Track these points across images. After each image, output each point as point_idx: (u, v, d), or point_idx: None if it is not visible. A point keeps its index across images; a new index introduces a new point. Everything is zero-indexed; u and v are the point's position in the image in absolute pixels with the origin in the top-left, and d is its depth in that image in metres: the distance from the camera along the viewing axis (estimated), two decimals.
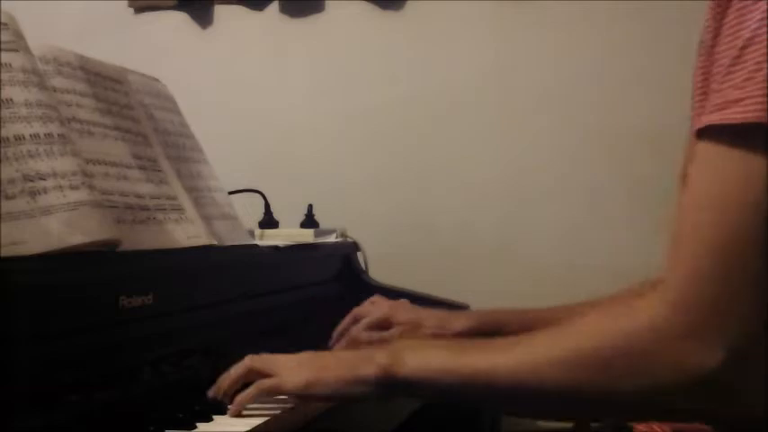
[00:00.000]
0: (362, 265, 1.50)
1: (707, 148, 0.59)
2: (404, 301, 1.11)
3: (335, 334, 1.08)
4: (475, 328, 1.03)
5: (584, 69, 1.61)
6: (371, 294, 1.41)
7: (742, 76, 0.57)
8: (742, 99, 0.56)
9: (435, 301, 1.38)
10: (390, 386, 0.72)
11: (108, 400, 0.74)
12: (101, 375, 0.76)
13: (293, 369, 0.76)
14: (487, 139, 1.68)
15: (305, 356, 0.79)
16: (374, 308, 1.09)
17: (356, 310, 1.10)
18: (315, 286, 1.33)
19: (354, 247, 1.48)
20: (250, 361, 0.79)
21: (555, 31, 1.64)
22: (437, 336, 1.03)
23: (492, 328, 1.02)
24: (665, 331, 0.58)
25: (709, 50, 0.62)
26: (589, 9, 1.60)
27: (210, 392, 0.79)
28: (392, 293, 1.42)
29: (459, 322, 1.04)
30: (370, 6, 1.74)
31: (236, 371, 0.79)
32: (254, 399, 0.76)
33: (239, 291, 1.06)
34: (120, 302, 0.81)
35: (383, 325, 1.06)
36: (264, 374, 0.77)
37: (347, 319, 1.08)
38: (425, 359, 0.71)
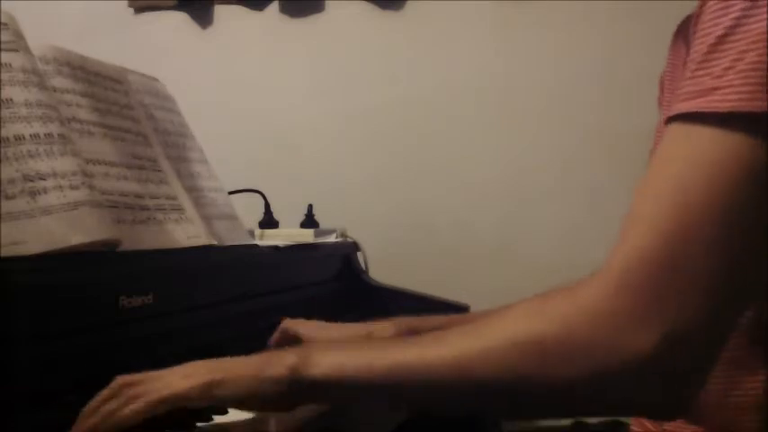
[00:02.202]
0: (362, 265, 1.50)
1: (675, 133, 0.58)
2: (314, 322, 1.02)
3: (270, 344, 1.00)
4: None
5: (585, 69, 1.61)
6: (371, 294, 1.41)
7: (722, 65, 0.55)
8: (720, 88, 0.55)
9: (435, 301, 1.38)
10: (299, 389, 0.65)
11: None
12: (101, 375, 0.76)
13: (187, 375, 0.67)
14: (487, 139, 1.68)
15: (204, 362, 0.70)
16: (299, 326, 1.01)
17: (285, 325, 1.00)
18: (315, 286, 1.33)
19: (354, 247, 1.47)
20: (121, 379, 0.67)
21: (555, 31, 1.63)
22: None
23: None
24: (602, 312, 0.55)
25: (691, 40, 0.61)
26: (589, 9, 1.60)
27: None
28: (392, 293, 1.42)
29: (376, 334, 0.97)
30: (370, 6, 1.74)
31: (103, 392, 0.67)
32: (142, 414, 0.64)
33: (239, 291, 1.06)
34: (120, 302, 0.81)
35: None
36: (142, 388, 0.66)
37: (278, 335, 1.00)
38: (338, 358, 0.64)
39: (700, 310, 0.54)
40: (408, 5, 1.72)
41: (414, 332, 0.94)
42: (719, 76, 0.55)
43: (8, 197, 0.76)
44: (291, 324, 1.00)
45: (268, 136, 1.81)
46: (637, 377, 0.55)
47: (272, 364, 0.66)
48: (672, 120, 0.58)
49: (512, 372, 0.58)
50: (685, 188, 0.55)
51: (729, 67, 0.55)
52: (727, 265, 0.54)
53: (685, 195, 0.55)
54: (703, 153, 0.55)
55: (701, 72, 0.57)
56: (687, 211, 0.55)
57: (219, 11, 1.85)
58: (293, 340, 0.98)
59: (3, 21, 0.85)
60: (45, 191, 0.79)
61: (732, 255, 0.54)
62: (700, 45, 0.57)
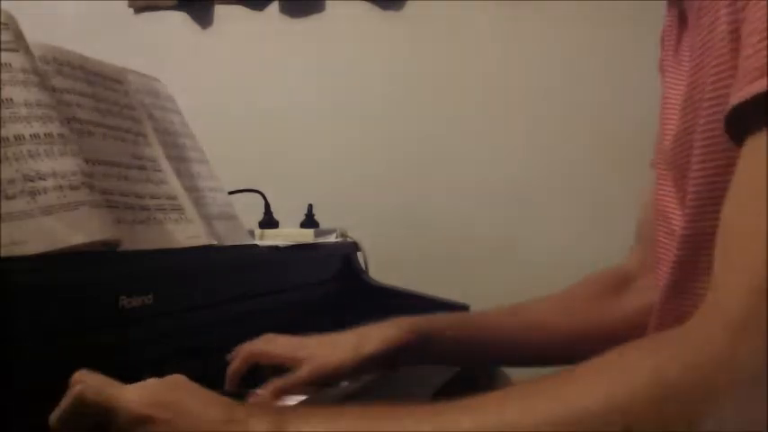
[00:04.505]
0: (362, 265, 1.50)
1: (758, 136, 0.46)
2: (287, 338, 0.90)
3: (228, 377, 0.86)
4: (395, 346, 0.84)
5: (586, 69, 1.61)
6: (371, 294, 1.41)
7: None
8: None
9: (435, 301, 1.38)
10: None
11: None
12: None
13: (140, 417, 0.56)
14: (488, 139, 1.68)
15: (162, 396, 0.59)
16: (270, 346, 0.89)
17: (248, 349, 0.88)
18: (315, 286, 1.33)
19: (354, 247, 1.47)
20: (83, 390, 0.58)
21: (556, 31, 1.63)
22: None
23: (419, 342, 0.85)
24: (731, 363, 0.44)
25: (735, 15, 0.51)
26: (590, 9, 1.60)
27: None
28: (392, 293, 1.42)
29: (370, 344, 0.83)
30: (370, 6, 1.74)
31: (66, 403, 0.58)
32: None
33: (239, 291, 1.06)
34: (120, 302, 0.81)
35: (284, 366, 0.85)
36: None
37: (239, 363, 0.87)
38: (328, 428, 0.52)
39: None
40: (408, 5, 1.72)
41: (420, 335, 0.86)
42: None
43: (8, 197, 0.76)
44: (254, 348, 0.87)
45: (268, 136, 1.81)
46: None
47: None
48: (740, 109, 0.47)
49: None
50: None
51: None
52: None
53: None
54: None
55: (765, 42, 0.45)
56: None
57: (219, 11, 1.85)
58: (260, 367, 0.87)
59: (3, 21, 0.85)
60: (45, 191, 0.79)
61: None
62: (761, 10, 0.47)
